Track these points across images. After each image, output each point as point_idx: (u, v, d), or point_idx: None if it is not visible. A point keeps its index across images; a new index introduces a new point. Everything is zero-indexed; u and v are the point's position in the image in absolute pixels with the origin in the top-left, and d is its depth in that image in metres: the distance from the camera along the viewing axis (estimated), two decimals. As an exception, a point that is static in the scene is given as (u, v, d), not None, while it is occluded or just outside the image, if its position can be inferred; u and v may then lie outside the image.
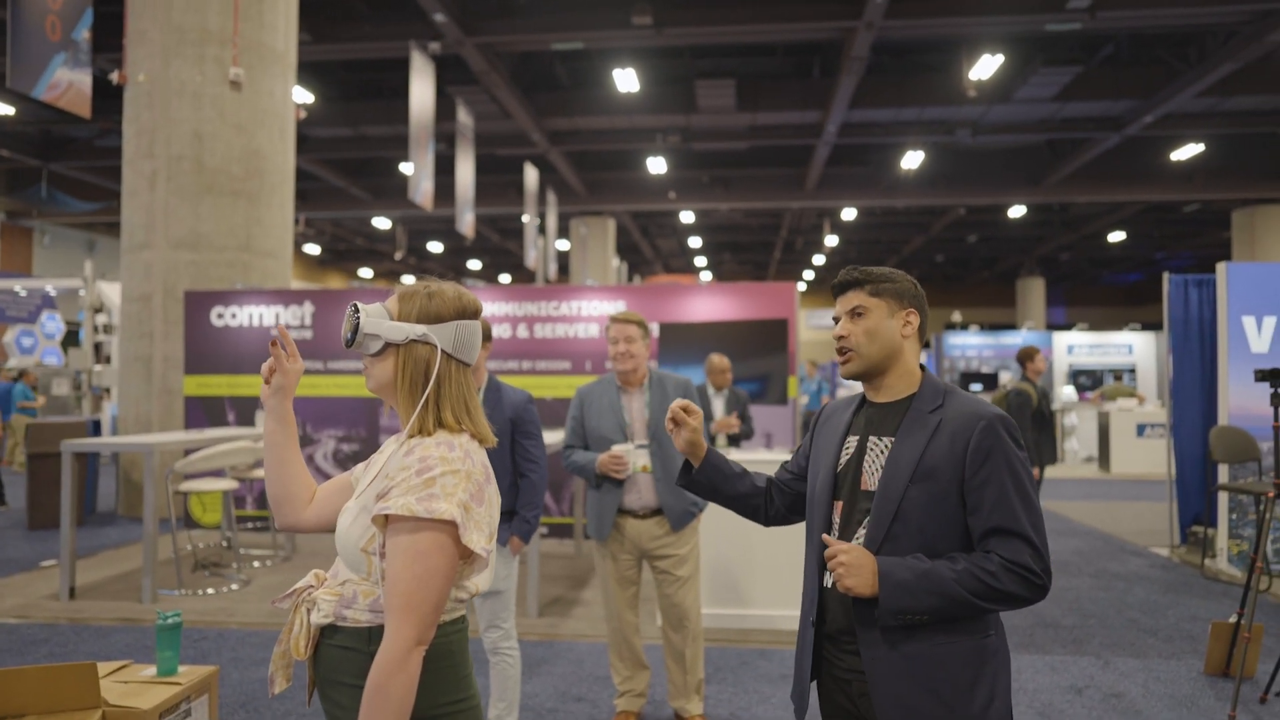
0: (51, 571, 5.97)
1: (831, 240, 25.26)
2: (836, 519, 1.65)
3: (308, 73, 13.38)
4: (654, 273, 32.27)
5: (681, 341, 6.81)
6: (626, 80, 12.34)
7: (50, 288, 14.78)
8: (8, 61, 7.47)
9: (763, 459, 4.60)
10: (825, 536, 1.58)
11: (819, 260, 30.40)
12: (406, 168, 17.74)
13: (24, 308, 15.43)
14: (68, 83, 8.07)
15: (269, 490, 1.62)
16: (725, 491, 1.88)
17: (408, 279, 33.82)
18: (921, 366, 1.70)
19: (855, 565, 1.51)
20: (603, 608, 3.51)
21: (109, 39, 10.20)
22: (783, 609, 4.64)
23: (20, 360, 14.52)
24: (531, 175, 16.71)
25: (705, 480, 1.87)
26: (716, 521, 4.54)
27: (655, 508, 3.29)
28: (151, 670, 3.05)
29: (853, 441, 1.68)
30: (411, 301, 1.48)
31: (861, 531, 1.60)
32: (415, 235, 26.32)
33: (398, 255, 25.32)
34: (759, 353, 6.79)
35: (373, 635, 1.39)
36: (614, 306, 7.08)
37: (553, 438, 5.28)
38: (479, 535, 1.38)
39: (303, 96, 12.96)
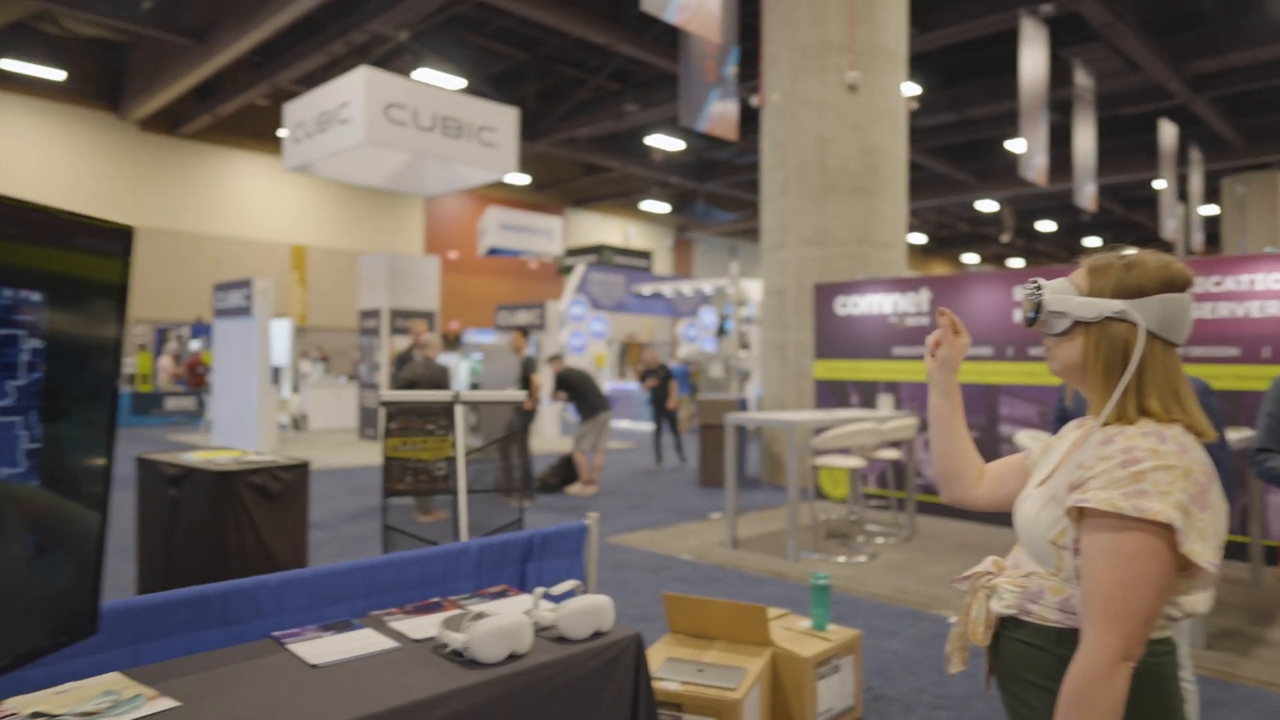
0: (718, 523, 7.17)
1: None
2: None
3: (912, 64, 13.60)
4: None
5: None
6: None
7: (706, 287, 17.84)
8: (679, 103, 9.14)
9: None
10: None
11: None
12: (1014, 145, 16.81)
13: (689, 305, 19.03)
14: (720, 113, 9.55)
15: (936, 465, 1.64)
16: None
17: (1014, 262, 32.13)
18: None
19: None
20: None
21: (746, 68, 11.78)
22: None
23: (687, 348, 17.94)
24: (1168, 132, 14.37)
25: None
26: None
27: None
28: (805, 623, 3.41)
29: None
30: (1105, 275, 1.35)
31: None
32: (1024, 215, 24.86)
33: (1004, 238, 24.22)
34: None
35: (1062, 637, 1.30)
36: (1303, 277, 5.63)
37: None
38: (1203, 545, 1.19)
39: (910, 89, 13.21)
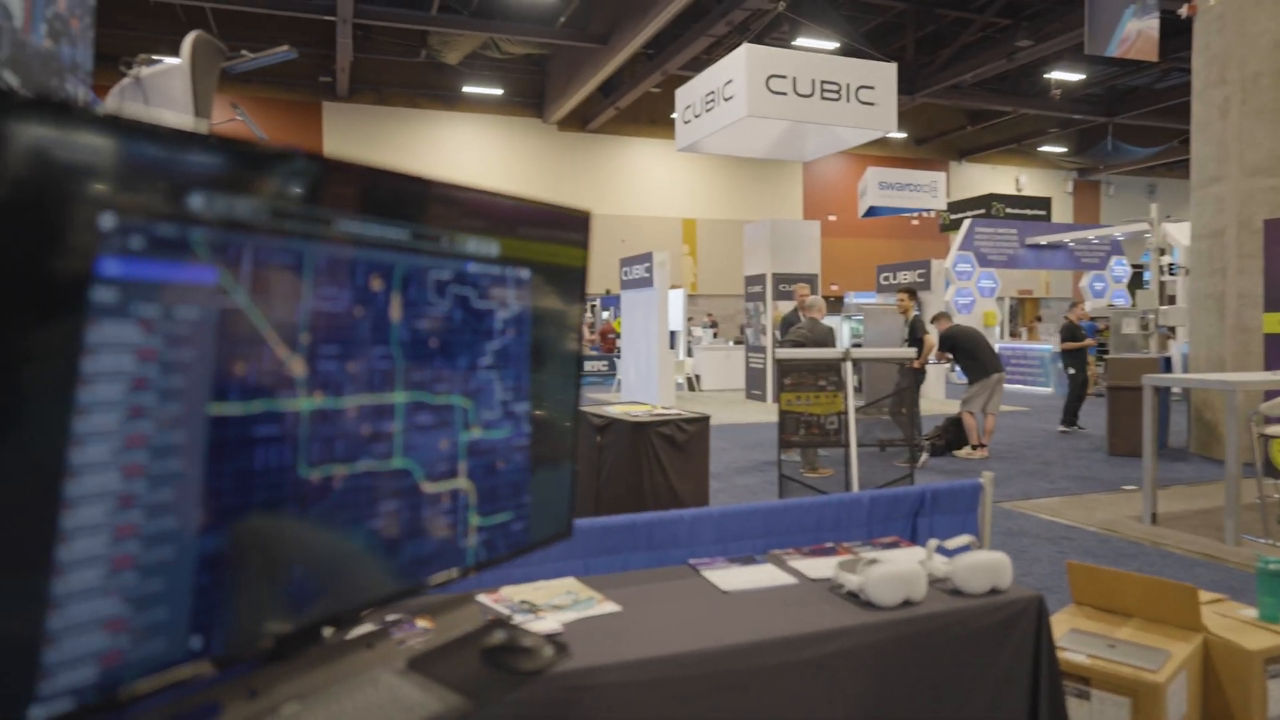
0: (1132, 495, 6.41)
1: None
2: None
3: None
4: None
5: None
6: None
7: (1118, 234, 15.71)
8: (1086, 29, 8.16)
9: None
10: None
11: None
12: None
13: (1095, 254, 16.92)
14: (1136, 33, 8.34)
15: None
16: None
17: None
18: None
19: None
20: None
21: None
22: None
23: (1092, 303, 15.99)
24: None
25: None
26: None
27: None
28: (1251, 612, 2.97)
29: None
30: None
31: None
32: None
33: None
34: None
35: None
36: None
37: None
38: None
39: None
